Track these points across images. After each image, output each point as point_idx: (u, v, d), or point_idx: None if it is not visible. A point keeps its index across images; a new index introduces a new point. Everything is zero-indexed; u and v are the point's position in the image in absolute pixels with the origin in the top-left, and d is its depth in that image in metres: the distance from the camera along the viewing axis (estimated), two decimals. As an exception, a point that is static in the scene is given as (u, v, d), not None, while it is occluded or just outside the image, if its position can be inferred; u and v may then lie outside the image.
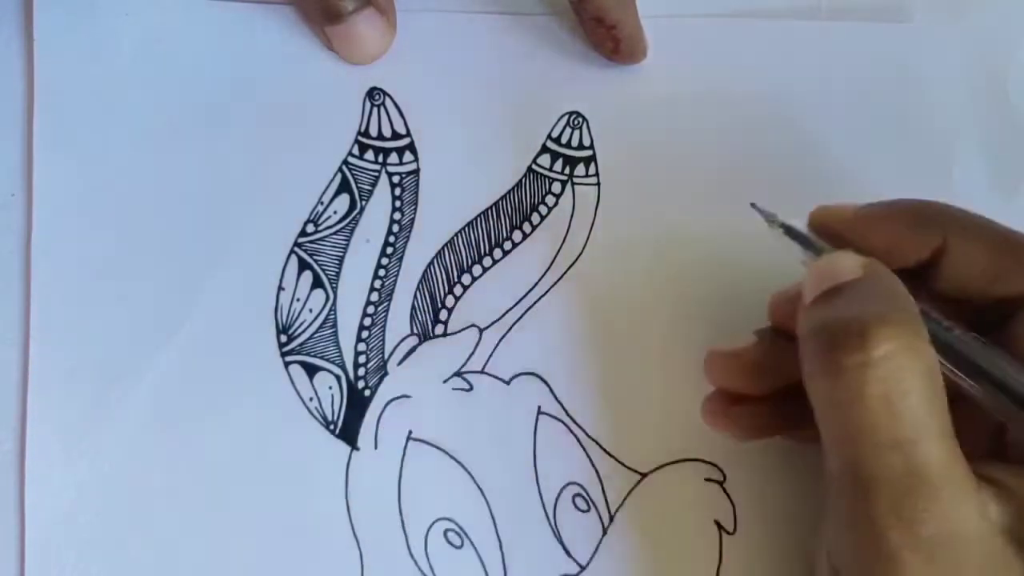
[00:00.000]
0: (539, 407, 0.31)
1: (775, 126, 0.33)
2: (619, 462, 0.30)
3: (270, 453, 0.30)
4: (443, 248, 0.32)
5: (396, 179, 0.32)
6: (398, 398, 0.31)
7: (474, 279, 0.31)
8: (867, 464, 0.22)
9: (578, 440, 0.31)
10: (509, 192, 0.32)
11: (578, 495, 0.30)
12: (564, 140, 0.32)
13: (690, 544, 0.30)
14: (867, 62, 0.33)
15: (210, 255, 0.31)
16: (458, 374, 0.31)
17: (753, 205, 0.28)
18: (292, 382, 0.30)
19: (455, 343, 0.31)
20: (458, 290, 0.31)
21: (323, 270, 0.31)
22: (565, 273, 0.32)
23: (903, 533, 0.22)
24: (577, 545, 0.30)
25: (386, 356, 0.31)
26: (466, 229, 0.32)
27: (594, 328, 0.31)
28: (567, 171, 0.32)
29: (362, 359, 0.31)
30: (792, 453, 0.29)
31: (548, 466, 0.30)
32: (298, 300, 0.31)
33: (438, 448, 0.30)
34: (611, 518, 0.30)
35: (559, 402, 0.31)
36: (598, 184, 0.32)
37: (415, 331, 0.31)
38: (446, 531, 0.30)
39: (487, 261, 0.32)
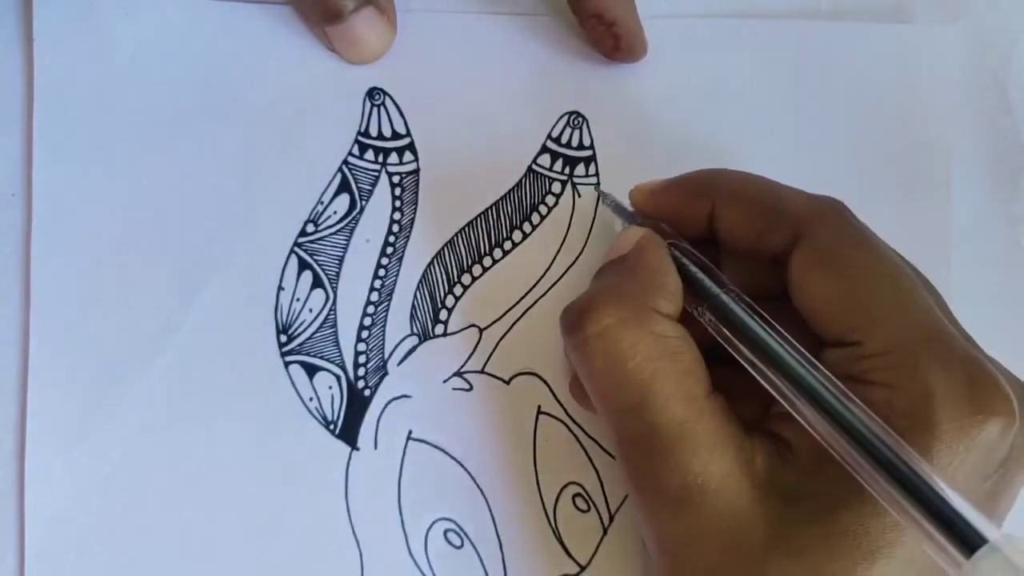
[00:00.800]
0: (539, 407, 0.31)
1: (775, 126, 0.33)
2: (619, 462, 0.30)
3: (270, 453, 0.30)
4: (443, 248, 0.32)
5: (396, 179, 0.32)
6: (398, 398, 0.31)
7: (474, 279, 0.31)
8: (612, 430, 0.25)
9: (578, 440, 0.31)
10: (509, 192, 0.32)
11: (578, 495, 0.30)
12: (564, 140, 0.32)
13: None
14: (867, 62, 0.33)
15: (210, 255, 0.31)
16: (458, 374, 0.31)
17: (595, 189, 0.32)
18: (292, 382, 0.30)
19: (455, 343, 0.31)
20: (458, 290, 0.31)
21: (323, 270, 0.31)
22: (565, 273, 0.32)
23: (650, 491, 0.24)
24: (577, 545, 0.30)
25: (386, 356, 0.31)
26: (466, 229, 0.32)
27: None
28: (567, 171, 0.32)
29: (362, 359, 0.31)
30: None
31: (548, 466, 0.30)
32: (298, 300, 0.31)
33: (438, 448, 0.30)
34: (611, 518, 0.30)
35: (559, 402, 0.31)
36: (598, 184, 0.32)
37: (415, 331, 0.31)
38: (446, 531, 0.30)
39: (487, 261, 0.32)
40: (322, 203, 0.31)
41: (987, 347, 0.33)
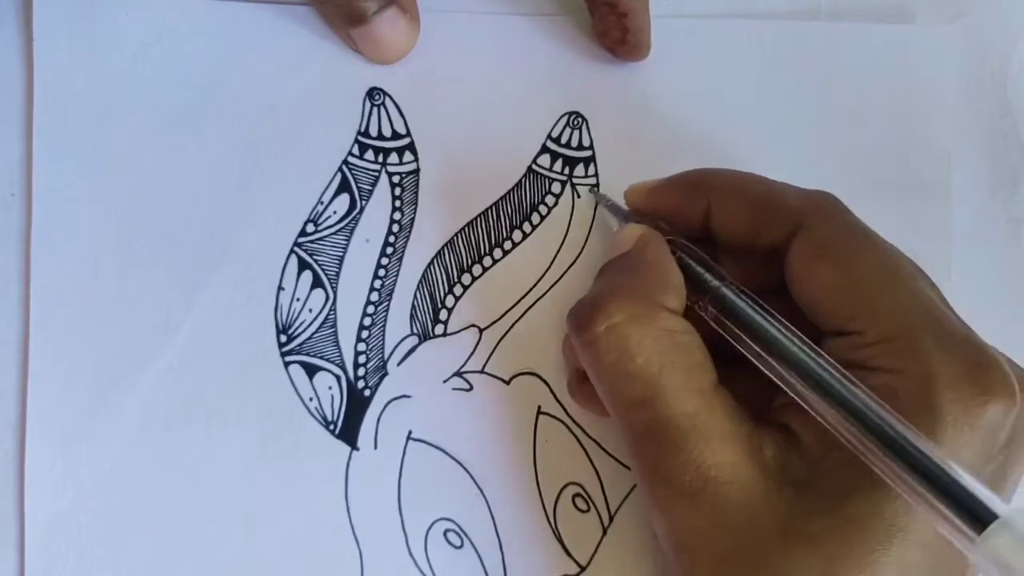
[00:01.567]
0: (539, 407, 0.31)
1: (775, 126, 0.33)
2: (619, 462, 0.30)
3: (270, 453, 0.30)
4: (443, 248, 0.32)
5: (396, 179, 0.32)
6: (398, 398, 0.31)
7: (474, 279, 0.31)
8: (624, 425, 0.25)
9: (578, 440, 0.31)
10: (509, 192, 0.32)
11: (578, 495, 0.30)
12: (564, 140, 0.32)
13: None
14: (867, 62, 0.33)
15: (210, 255, 0.31)
16: (458, 374, 0.31)
17: (591, 189, 0.32)
18: (292, 382, 0.30)
19: (455, 343, 0.31)
20: (458, 290, 0.31)
21: (323, 270, 0.31)
22: (565, 273, 0.32)
23: (663, 483, 0.24)
24: (577, 545, 0.30)
25: (386, 356, 0.31)
26: (466, 229, 0.32)
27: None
28: (567, 171, 0.32)
29: (362, 359, 0.31)
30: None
31: (548, 466, 0.30)
32: (298, 300, 0.31)
33: (438, 448, 0.30)
34: (611, 518, 0.30)
35: (559, 402, 0.31)
36: (598, 184, 0.32)
37: (415, 331, 0.31)
38: (446, 531, 0.30)
39: (487, 261, 0.32)
40: (322, 203, 0.31)
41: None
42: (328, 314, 0.31)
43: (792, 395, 0.24)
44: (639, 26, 0.31)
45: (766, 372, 0.24)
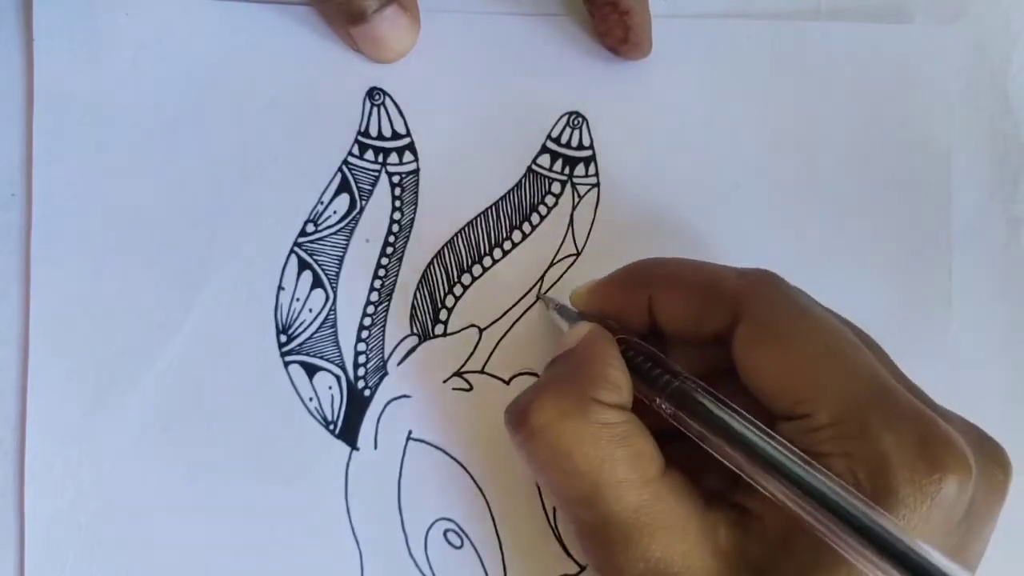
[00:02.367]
0: (539, 407, 0.31)
1: (775, 126, 0.33)
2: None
3: (270, 453, 0.30)
4: (443, 248, 0.32)
5: (396, 179, 0.32)
6: (398, 398, 0.31)
7: (474, 279, 0.31)
8: (570, 520, 0.25)
9: (578, 440, 0.31)
10: (509, 192, 0.32)
11: (578, 495, 0.30)
12: (564, 140, 0.32)
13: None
14: (867, 62, 0.33)
15: (210, 255, 0.31)
16: (458, 374, 0.31)
17: (539, 296, 0.31)
18: (292, 382, 0.30)
19: (455, 343, 0.31)
20: (458, 290, 0.31)
21: (323, 270, 0.31)
22: (565, 273, 0.32)
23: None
24: (577, 545, 0.30)
25: (386, 356, 0.31)
26: (466, 229, 0.32)
27: (594, 328, 0.31)
28: (567, 171, 0.32)
29: (362, 359, 0.31)
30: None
31: (548, 466, 0.30)
32: (298, 300, 0.31)
33: (438, 448, 0.30)
34: (611, 518, 0.30)
35: (559, 402, 0.31)
36: (598, 184, 0.32)
37: (415, 331, 0.31)
38: (446, 531, 0.30)
39: (487, 261, 0.32)
40: (322, 203, 0.31)
41: (987, 347, 0.33)
42: (328, 314, 0.31)
43: (754, 483, 0.23)
44: (640, 24, 0.31)
45: (727, 464, 0.24)
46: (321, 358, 0.31)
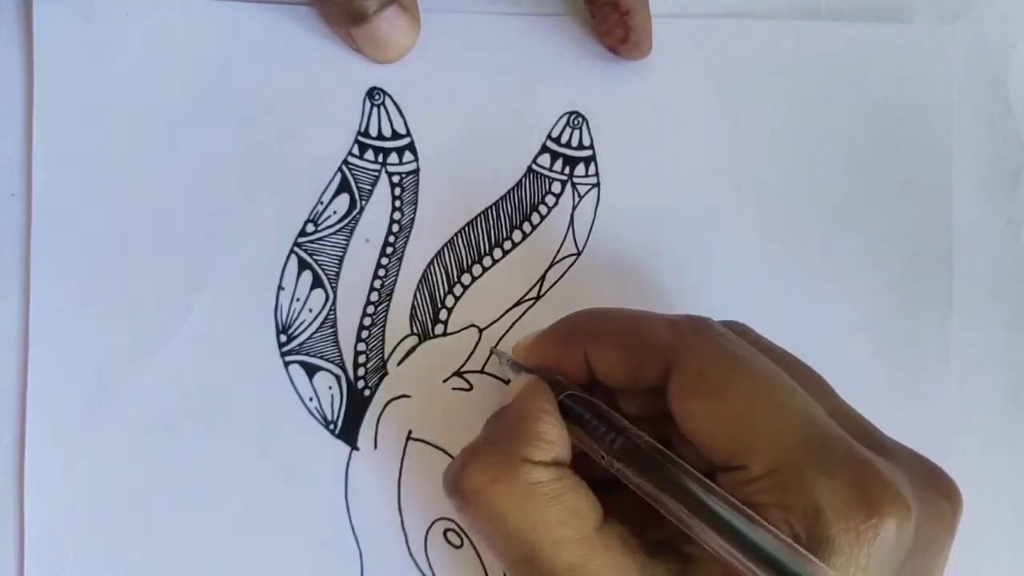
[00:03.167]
0: (539, 407, 0.31)
1: (775, 126, 0.33)
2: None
3: (270, 453, 0.30)
4: (443, 248, 0.32)
5: (396, 179, 0.32)
6: (398, 398, 0.31)
7: (474, 279, 0.31)
8: None
9: (578, 440, 0.31)
10: (509, 192, 0.32)
11: (578, 495, 0.30)
12: (564, 140, 0.32)
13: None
14: (867, 62, 0.33)
15: (210, 255, 0.31)
16: (458, 374, 0.31)
17: (492, 349, 0.31)
18: (292, 382, 0.30)
19: (455, 343, 0.31)
20: (458, 290, 0.31)
21: (323, 270, 0.31)
22: (565, 273, 0.32)
23: None
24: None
25: (386, 356, 0.31)
26: (466, 229, 0.32)
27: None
28: (567, 171, 0.32)
29: (362, 359, 0.31)
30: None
31: (548, 466, 0.30)
32: (298, 300, 0.31)
33: (438, 448, 0.30)
34: (611, 518, 0.30)
35: (559, 402, 0.31)
36: (598, 184, 0.32)
37: (415, 331, 0.31)
38: (446, 531, 0.30)
39: (487, 261, 0.32)
40: (322, 203, 0.31)
41: (987, 348, 0.33)
42: (328, 314, 0.31)
43: (694, 536, 0.23)
44: (640, 24, 0.31)
45: (672, 519, 0.24)
46: (321, 358, 0.31)
